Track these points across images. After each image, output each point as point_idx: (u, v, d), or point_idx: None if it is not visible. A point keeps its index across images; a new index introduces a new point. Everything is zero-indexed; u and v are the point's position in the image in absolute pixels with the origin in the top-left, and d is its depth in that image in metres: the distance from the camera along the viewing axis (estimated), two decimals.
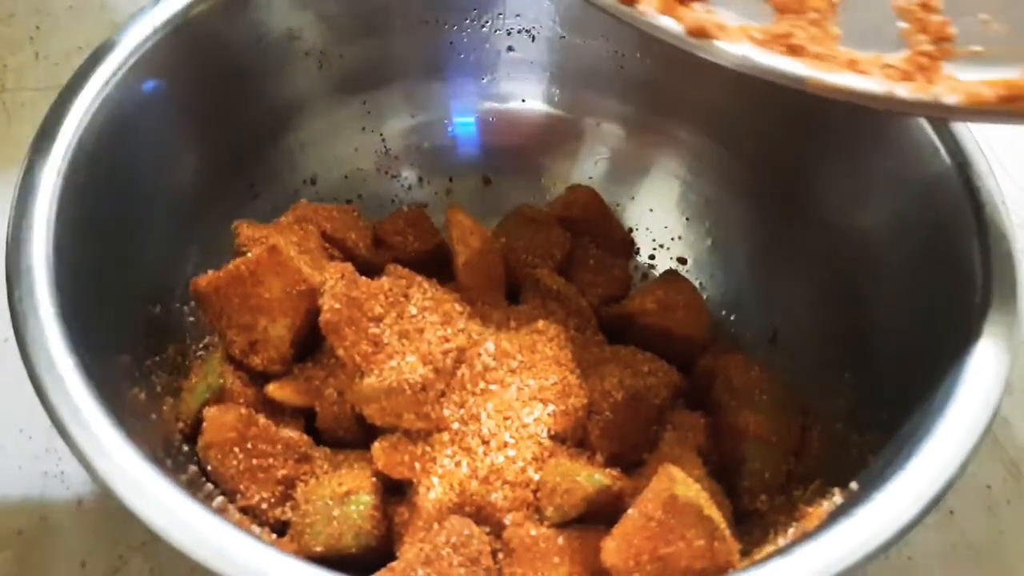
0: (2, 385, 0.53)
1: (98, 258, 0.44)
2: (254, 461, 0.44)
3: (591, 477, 0.42)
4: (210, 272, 0.48)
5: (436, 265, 0.54)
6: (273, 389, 0.47)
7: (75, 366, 0.37)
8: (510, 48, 0.60)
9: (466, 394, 0.45)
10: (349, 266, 0.48)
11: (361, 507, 0.43)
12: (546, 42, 0.59)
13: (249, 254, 0.47)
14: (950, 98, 0.36)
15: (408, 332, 0.46)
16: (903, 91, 0.36)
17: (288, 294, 0.47)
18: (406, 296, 0.48)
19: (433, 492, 0.43)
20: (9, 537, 0.48)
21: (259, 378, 0.48)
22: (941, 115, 0.37)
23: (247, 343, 0.48)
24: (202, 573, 0.33)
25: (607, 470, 0.44)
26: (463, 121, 0.62)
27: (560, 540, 0.41)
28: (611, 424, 0.46)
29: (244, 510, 0.43)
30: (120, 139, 0.46)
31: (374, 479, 0.44)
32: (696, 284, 0.57)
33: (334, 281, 0.47)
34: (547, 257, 0.55)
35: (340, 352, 0.45)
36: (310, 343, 0.48)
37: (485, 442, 0.44)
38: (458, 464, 0.43)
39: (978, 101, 0.35)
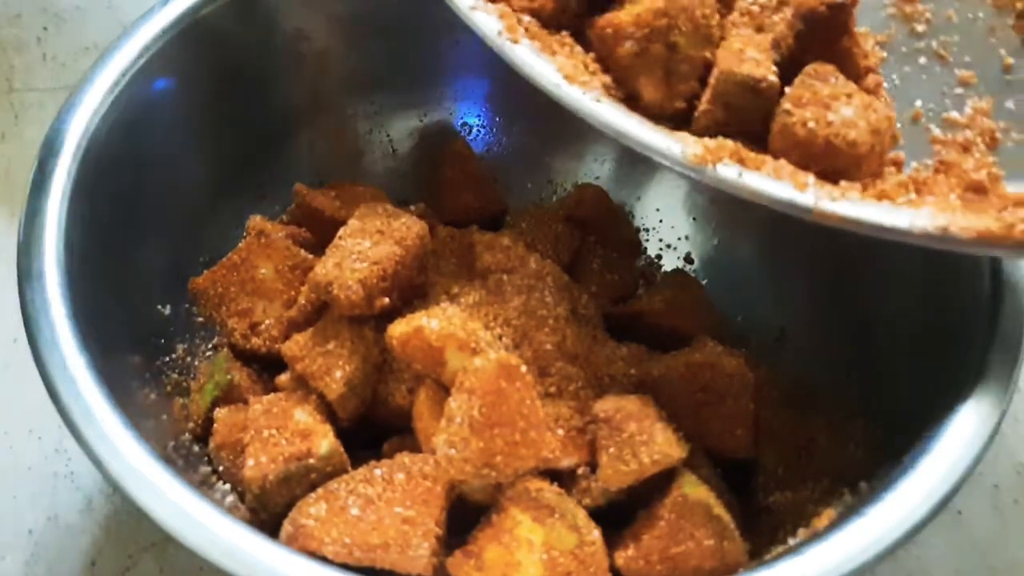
0: (12, 386, 0.53)
1: (108, 259, 0.44)
2: None
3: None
4: (206, 272, 0.49)
5: None
6: (283, 381, 0.47)
7: (86, 366, 0.38)
8: None
9: None
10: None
11: None
12: None
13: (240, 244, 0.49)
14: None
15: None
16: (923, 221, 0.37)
17: (281, 273, 0.49)
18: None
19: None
20: (19, 537, 0.48)
21: (267, 373, 0.48)
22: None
23: (247, 326, 0.48)
24: (212, 573, 0.34)
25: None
26: (471, 122, 0.62)
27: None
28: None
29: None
30: (129, 140, 0.47)
31: None
32: (703, 283, 0.57)
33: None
34: (555, 256, 0.55)
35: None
36: (312, 318, 0.48)
37: None
38: None
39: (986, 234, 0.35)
